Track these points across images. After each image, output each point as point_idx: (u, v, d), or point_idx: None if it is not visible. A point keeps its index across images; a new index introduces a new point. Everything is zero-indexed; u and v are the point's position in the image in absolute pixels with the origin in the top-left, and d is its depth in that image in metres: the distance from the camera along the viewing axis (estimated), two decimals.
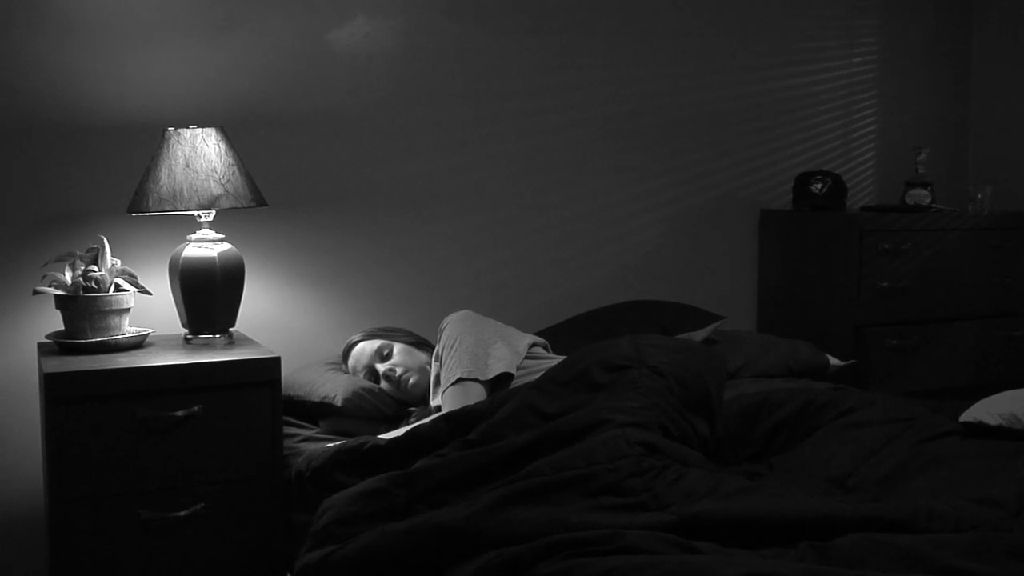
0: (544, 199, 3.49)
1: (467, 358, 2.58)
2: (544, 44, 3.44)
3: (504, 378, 2.60)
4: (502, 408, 2.17)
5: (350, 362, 2.84)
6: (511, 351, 2.67)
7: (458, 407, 2.40)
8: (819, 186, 3.77)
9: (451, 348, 2.63)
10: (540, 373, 2.49)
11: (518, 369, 2.63)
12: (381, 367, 2.77)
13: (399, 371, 2.75)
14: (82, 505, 2.31)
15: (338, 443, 2.34)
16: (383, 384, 2.76)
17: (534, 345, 2.81)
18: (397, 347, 2.82)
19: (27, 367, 2.79)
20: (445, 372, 2.60)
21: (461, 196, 3.35)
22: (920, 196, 3.83)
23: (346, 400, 2.68)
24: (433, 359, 2.74)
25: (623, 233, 3.66)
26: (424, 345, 2.88)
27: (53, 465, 2.31)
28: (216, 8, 2.98)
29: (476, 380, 2.54)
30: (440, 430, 2.22)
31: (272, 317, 3.04)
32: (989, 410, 2.25)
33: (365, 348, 2.82)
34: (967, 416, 2.27)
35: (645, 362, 2.18)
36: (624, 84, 3.63)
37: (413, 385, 2.76)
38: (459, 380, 2.54)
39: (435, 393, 2.67)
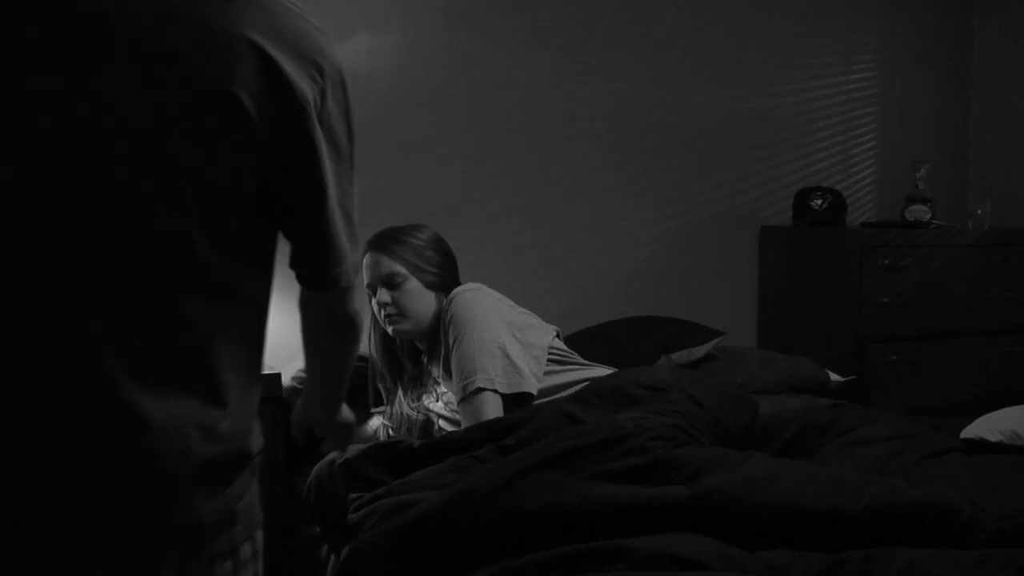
0: (544, 213, 3.50)
1: (489, 365, 2.39)
2: (545, 61, 3.46)
3: (526, 395, 2.46)
4: (537, 418, 2.14)
5: (364, 259, 2.58)
6: (533, 360, 2.48)
7: (479, 419, 2.32)
8: (819, 202, 3.78)
9: (469, 344, 2.42)
10: (565, 381, 2.45)
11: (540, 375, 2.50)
12: (380, 296, 2.55)
13: (391, 312, 2.54)
14: None
15: (373, 442, 2.29)
16: (373, 306, 2.59)
17: (554, 337, 2.64)
18: (410, 285, 2.54)
19: None
20: (462, 373, 2.41)
21: (462, 209, 3.35)
22: (920, 212, 3.84)
23: (288, 391, 2.61)
24: (441, 332, 2.53)
25: (623, 248, 3.66)
26: (445, 286, 2.60)
27: None
28: None
29: (496, 392, 2.39)
30: (474, 437, 2.16)
31: (270, 331, 3.03)
32: (990, 426, 2.25)
33: (381, 263, 2.55)
34: (968, 432, 2.26)
35: (684, 389, 2.14)
36: (625, 99, 3.64)
37: (397, 332, 2.58)
38: (479, 390, 2.37)
39: (444, 383, 2.56)
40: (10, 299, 1.06)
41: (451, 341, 2.46)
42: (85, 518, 1.08)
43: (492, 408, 2.37)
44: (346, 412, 1.60)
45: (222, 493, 1.17)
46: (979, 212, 3.96)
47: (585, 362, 2.64)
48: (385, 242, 2.58)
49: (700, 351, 3.20)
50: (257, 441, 1.25)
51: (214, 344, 1.16)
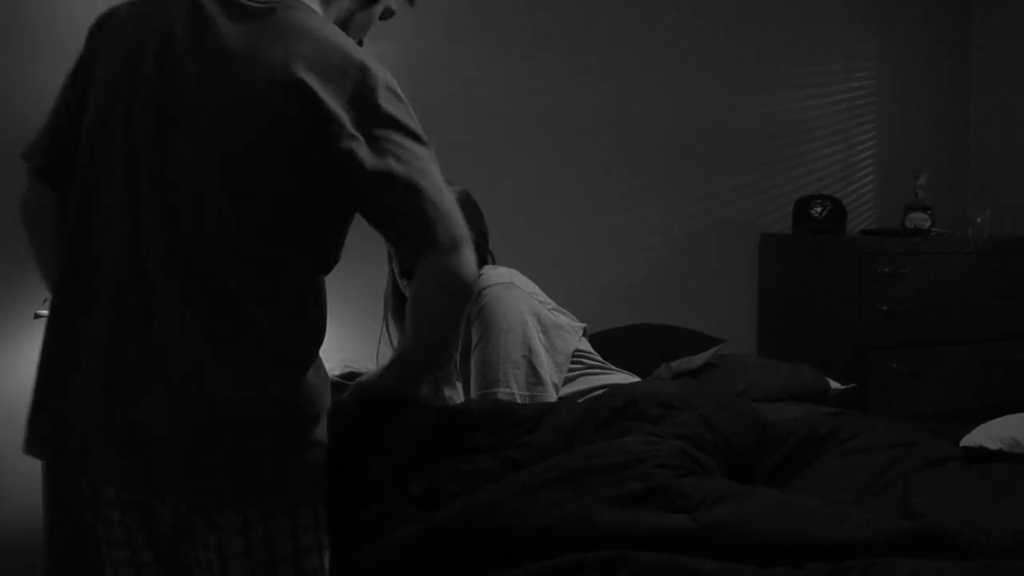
0: (544, 220, 3.50)
1: (512, 376, 2.26)
2: (546, 68, 3.46)
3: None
4: (545, 425, 2.01)
5: None
6: (555, 368, 2.35)
7: None
8: (819, 210, 3.78)
9: (494, 349, 2.26)
10: (584, 388, 2.35)
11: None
12: None
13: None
14: (82, 529, 2.30)
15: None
16: (394, 266, 2.48)
17: (580, 338, 2.50)
18: None
19: (28, 391, 2.79)
20: (483, 379, 2.28)
21: None
22: (920, 220, 3.84)
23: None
24: (465, 319, 2.30)
25: (623, 256, 3.67)
26: (482, 238, 2.45)
27: (53, 488, 2.30)
28: None
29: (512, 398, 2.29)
30: (464, 419, 1.97)
31: None
32: (990, 434, 2.25)
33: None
34: (968, 440, 2.26)
35: (696, 408, 2.09)
36: (625, 107, 3.64)
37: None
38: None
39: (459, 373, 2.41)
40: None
41: (475, 339, 2.32)
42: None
43: None
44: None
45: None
46: (979, 220, 3.96)
47: (606, 366, 2.55)
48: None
49: (700, 359, 3.20)
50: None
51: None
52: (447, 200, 1.51)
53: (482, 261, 2.43)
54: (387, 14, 1.82)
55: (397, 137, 1.46)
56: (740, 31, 3.85)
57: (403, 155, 1.46)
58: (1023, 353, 3.86)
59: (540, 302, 2.40)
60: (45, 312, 2.60)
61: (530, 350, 2.29)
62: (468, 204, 2.46)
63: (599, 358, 2.55)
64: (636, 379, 2.54)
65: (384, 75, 1.48)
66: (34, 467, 2.78)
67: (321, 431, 1.47)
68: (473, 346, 2.31)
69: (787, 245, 3.86)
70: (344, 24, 1.67)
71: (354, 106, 1.42)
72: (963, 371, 3.75)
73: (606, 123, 3.59)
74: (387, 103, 1.46)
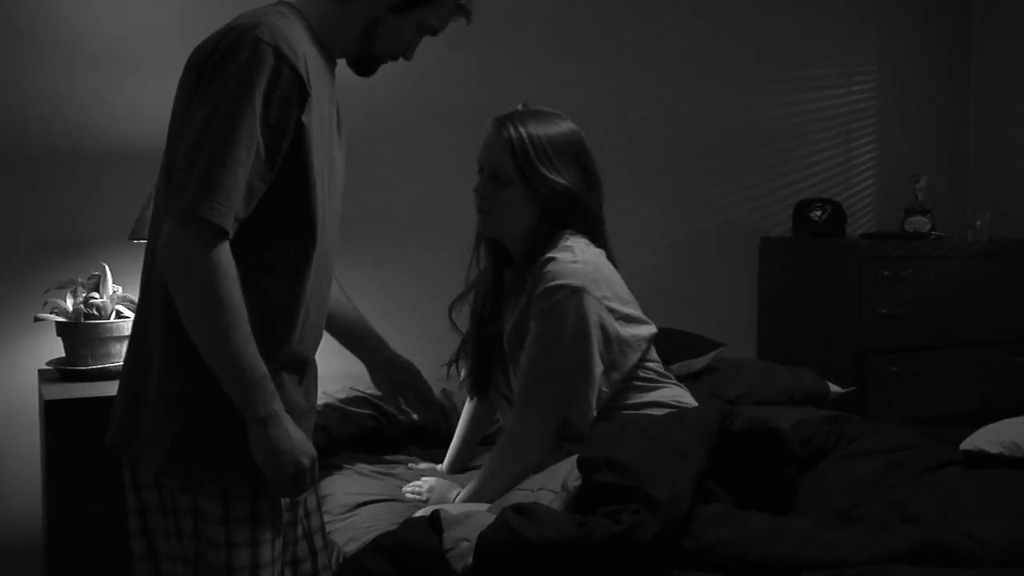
0: None
1: (562, 394, 2.08)
2: (544, 74, 3.46)
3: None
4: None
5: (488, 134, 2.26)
6: (605, 392, 2.15)
7: (520, 437, 2.09)
8: (819, 213, 3.78)
9: (550, 359, 2.08)
10: (633, 403, 2.18)
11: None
12: (479, 180, 2.24)
13: (480, 203, 2.21)
14: (81, 532, 2.30)
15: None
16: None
17: (646, 349, 2.25)
18: (513, 192, 2.14)
19: (28, 394, 2.79)
20: (526, 387, 2.10)
21: (462, 222, 3.35)
22: (920, 223, 3.84)
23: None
24: (527, 290, 2.14)
25: (623, 260, 3.61)
26: (558, 214, 2.17)
27: (52, 492, 2.30)
28: None
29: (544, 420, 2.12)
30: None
31: None
32: (990, 438, 2.24)
33: (495, 147, 2.20)
34: (968, 444, 2.26)
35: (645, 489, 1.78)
36: (624, 112, 3.64)
37: (481, 227, 2.25)
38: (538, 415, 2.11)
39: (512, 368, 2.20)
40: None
41: (532, 335, 2.11)
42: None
43: (540, 433, 2.10)
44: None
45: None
46: (978, 223, 3.96)
47: (661, 378, 2.29)
48: (512, 123, 2.21)
49: (700, 362, 3.20)
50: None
51: None
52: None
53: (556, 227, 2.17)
54: (428, 29, 1.77)
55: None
56: (739, 35, 3.85)
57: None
58: (1023, 356, 3.86)
59: (610, 309, 2.14)
60: (45, 316, 2.61)
61: (589, 372, 2.09)
62: (581, 156, 2.23)
63: (657, 368, 2.29)
64: (683, 392, 2.31)
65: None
66: (34, 469, 2.78)
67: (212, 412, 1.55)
68: (529, 341, 2.11)
69: (787, 248, 3.86)
70: (371, 30, 1.68)
71: None
72: (963, 374, 3.75)
73: (605, 127, 3.59)
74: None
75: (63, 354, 2.63)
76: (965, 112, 4.43)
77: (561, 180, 2.16)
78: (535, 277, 2.11)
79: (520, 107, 2.29)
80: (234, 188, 1.46)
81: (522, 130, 2.19)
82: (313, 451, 1.59)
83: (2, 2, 2.76)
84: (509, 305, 2.23)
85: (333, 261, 1.73)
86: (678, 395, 2.28)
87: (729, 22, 3.83)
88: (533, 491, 1.92)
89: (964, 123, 4.43)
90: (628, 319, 2.19)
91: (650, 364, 2.26)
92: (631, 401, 2.19)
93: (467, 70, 3.34)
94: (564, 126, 2.24)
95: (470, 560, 1.64)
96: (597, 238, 2.23)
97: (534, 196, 2.15)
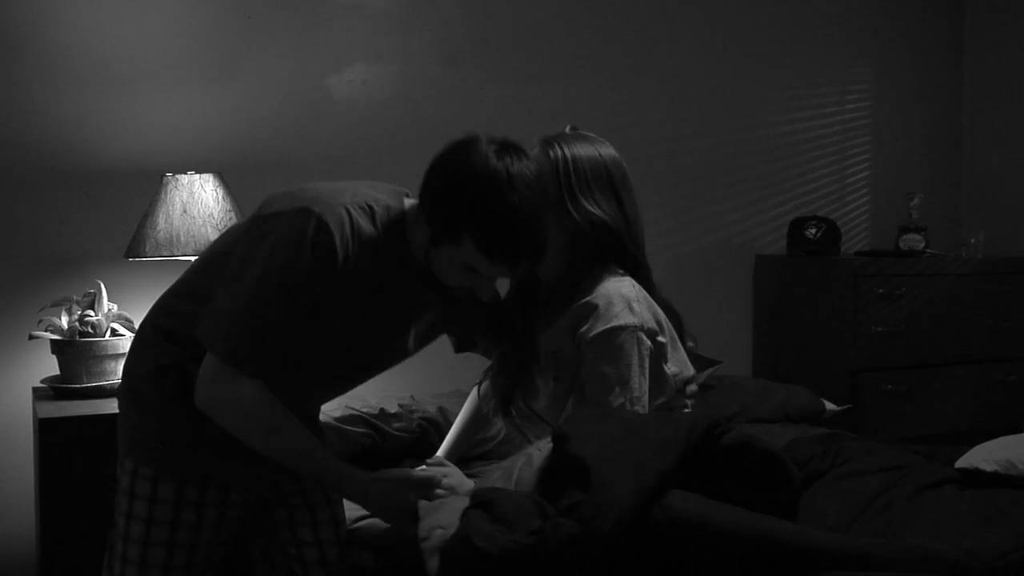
0: None
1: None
2: (541, 91, 3.47)
3: None
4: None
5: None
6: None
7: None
8: (813, 231, 3.79)
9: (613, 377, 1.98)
10: None
11: None
12: None
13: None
14: (75, 551, 2.29)
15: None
16: None
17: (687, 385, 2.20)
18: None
19: (22, 412, 2.78)
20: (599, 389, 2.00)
21: None
22: (914, 241, 3.85)
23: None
24: (569, 329, 2.02)
25: None
26: (591, 245, 2.06)
27: (46, 510, 2.29)
28: (214, 55, 3.01)
29: None
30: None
31: None
32: (985, 456, 2.25)
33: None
34: (963, 462, 2.26)
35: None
36: (620, 130, 3.65)
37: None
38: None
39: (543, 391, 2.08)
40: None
41: (598, 372, 1.99)
42: None
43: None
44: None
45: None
46: (972, 241, 3.97)
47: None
48: (558, 142, 2.10)
49: (696, 380, 3.19)
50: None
51: None
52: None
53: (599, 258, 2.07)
54: (473, 272, 1.72)
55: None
56: (734, 55, 3.87)
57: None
58: (1017, 374, 3.86)
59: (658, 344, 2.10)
60: (40, 333, 2.60)
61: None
62: (617, 185, 2.17)
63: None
64: None
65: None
66: (28, 488, 2.77)
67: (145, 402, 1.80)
68: (593, 380, 2.01)
69: (781, 266, 3.87)
70: (426, 259, 1.75)
71: None
72: (957, 393, 3.75)
73: None
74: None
75: (58, 372, 2.62)
76: (959, 131, 4.44)
77: (597, 211, 2.08)
78: (584, 312, 2.01)
79: (568, 129, 2.21)
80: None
81: (567, 141, 2.12)
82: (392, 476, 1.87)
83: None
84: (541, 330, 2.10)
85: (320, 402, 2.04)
86: None
87: (725, 43, 3.84)
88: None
89: (958, 142, 4.45)
90: (667, 373, 2.15)
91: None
92: None
93: (467, 88, 3.35)
94: (607, 152, 2.18)
95: (436, 564, 1.65)
96: (637, 277, 2.12)
97: (568, 226, 2.04)
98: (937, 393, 3.70)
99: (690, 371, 2.22)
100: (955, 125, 4.44)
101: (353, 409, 2.61)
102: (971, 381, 3.78)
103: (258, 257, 1.67)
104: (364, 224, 1.73)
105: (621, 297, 2.02)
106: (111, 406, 2.41)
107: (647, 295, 2.12)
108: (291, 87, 3.11)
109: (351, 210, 1.73)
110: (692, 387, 2.28)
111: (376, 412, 2.58)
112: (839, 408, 3.34)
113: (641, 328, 2.02)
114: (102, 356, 2.57)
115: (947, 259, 3.84)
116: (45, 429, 2.31)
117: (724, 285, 3.89)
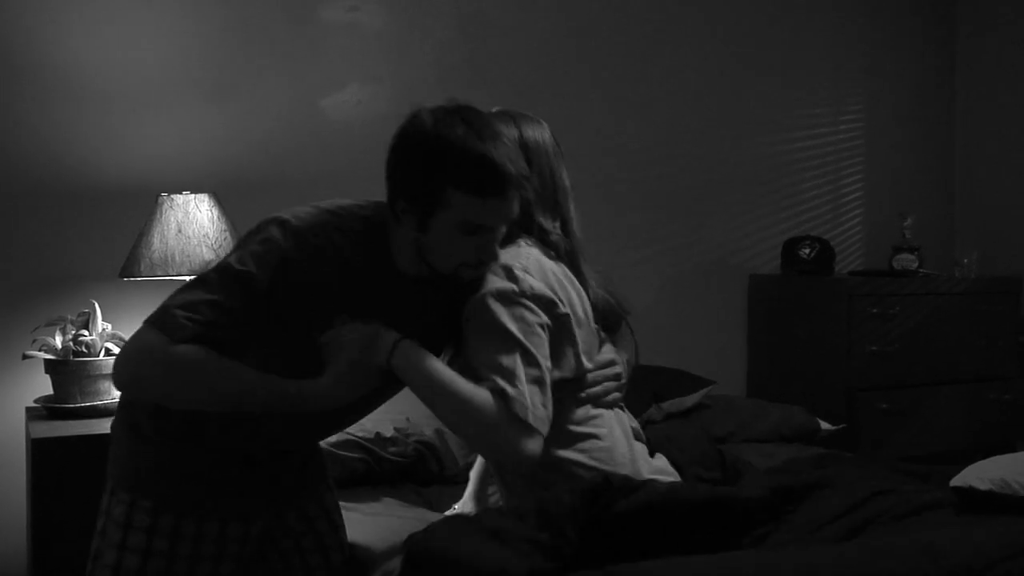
0: None
1: None
2: (535, 113, 3.48)
3: None
4: None
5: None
6: None
7: None
8: (807, 251, 3.80)
9: None
10: None
11: None
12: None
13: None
14: (67, 571, 2.28)
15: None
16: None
17: None
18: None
19: (15, 432, 2.78)
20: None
21: None
22: (907, 261, 3.86)
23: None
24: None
25: None
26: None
27: (38, 530, 2.28)
28: (210, 76, 3.02)
29: None
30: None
31: None
32: (979, 475, 2.24)
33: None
34: (957, 481, 2.25)
35: None
36: (615, 151, 3.67)
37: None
38: None
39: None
40: None
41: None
42: None
43: None
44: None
45: None
46: (966, 261, 3.99)
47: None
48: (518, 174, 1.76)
49: (690, 400, 3.20)
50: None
51: None
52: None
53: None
54: (469, 226, 1.68)
55: None
56: (729, 76, 3.89)
57: None
58: (1011, 393, 3.86)
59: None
60: (34, 353, 2.60)
61: None
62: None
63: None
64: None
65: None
66: (20, 509, 2.76)
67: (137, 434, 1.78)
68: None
69: (776, 286, 3.88)
70: (420, 253, 1.75)
71: None
72: (952, 412, 3.75)
73: (595, 166, 3.61)
74: None
75: (51, 392, 2.62)
76: (951, 151, 4.46)
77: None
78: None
79: (494, 110, 2.07)
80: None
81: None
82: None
83: None
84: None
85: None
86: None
87: (719, 63, 3.86)
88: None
89: (951, 162, 4.47)
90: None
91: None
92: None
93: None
94: (511, 131, 2.01)
95: None
96: (554, 247, 1.99)
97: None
98: (931, 412, 3.70)
99: (591, 363, 2.02)
100: (948, 146, 4.46)
101: (347, 433, 2.53)
102: (965, 400, 3.78)
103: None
104: (336, 238, 1.76)
105: (502, 265, 1.81)
106: (104, 426, 2.41)
107: (556, 267, 1.94)
108: (287, 107, 3.12)
109: (325, 221, 1.80)
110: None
111: (371, 436, 2.53)
112: (834, 427, 3.34)
113: (522, 294, 1.78)
114: (96, 376, 2.56)
115: (941, 279, 3.85)
116: (38, 449, 2.30)
117: (719, 304, 3.89)
